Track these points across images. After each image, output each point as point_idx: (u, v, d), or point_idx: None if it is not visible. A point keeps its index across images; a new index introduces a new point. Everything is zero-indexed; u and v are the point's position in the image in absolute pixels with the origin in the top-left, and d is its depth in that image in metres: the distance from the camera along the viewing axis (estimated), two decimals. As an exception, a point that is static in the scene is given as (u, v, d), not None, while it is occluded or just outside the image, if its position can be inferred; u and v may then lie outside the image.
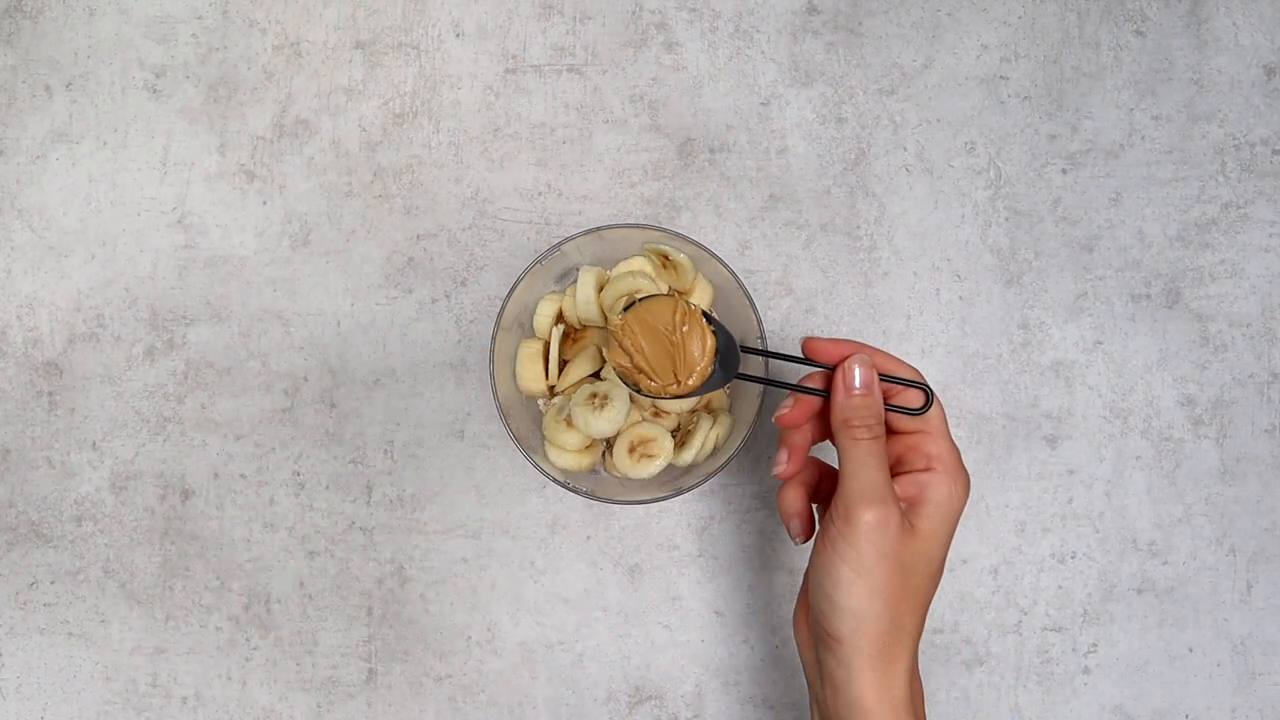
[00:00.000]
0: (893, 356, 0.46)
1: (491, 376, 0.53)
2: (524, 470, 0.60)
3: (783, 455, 0.47)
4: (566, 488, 0.53)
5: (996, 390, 0.60)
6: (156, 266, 0.61)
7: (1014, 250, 0.61)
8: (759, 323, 0.52)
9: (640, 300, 0.48)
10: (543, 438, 0.55)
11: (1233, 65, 0.62)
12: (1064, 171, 0.61)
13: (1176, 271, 0.61)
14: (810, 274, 0.61)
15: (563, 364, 0.56)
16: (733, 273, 0.52)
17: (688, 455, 0.54)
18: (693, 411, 0.56)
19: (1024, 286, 0.61)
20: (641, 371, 0.48)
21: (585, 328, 0.57)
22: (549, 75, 0.62)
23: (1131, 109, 0.62)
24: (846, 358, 0.44)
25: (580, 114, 0.61)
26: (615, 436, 0.54)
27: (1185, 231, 0.61)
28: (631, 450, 0.54)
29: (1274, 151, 0.61)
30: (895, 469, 0.45)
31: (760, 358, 0.50)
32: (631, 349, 0.48)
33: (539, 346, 0.56)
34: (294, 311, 0.61)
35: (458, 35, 0.62)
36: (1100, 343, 0.61)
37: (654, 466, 0.54)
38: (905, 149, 0.61)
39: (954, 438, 0.59)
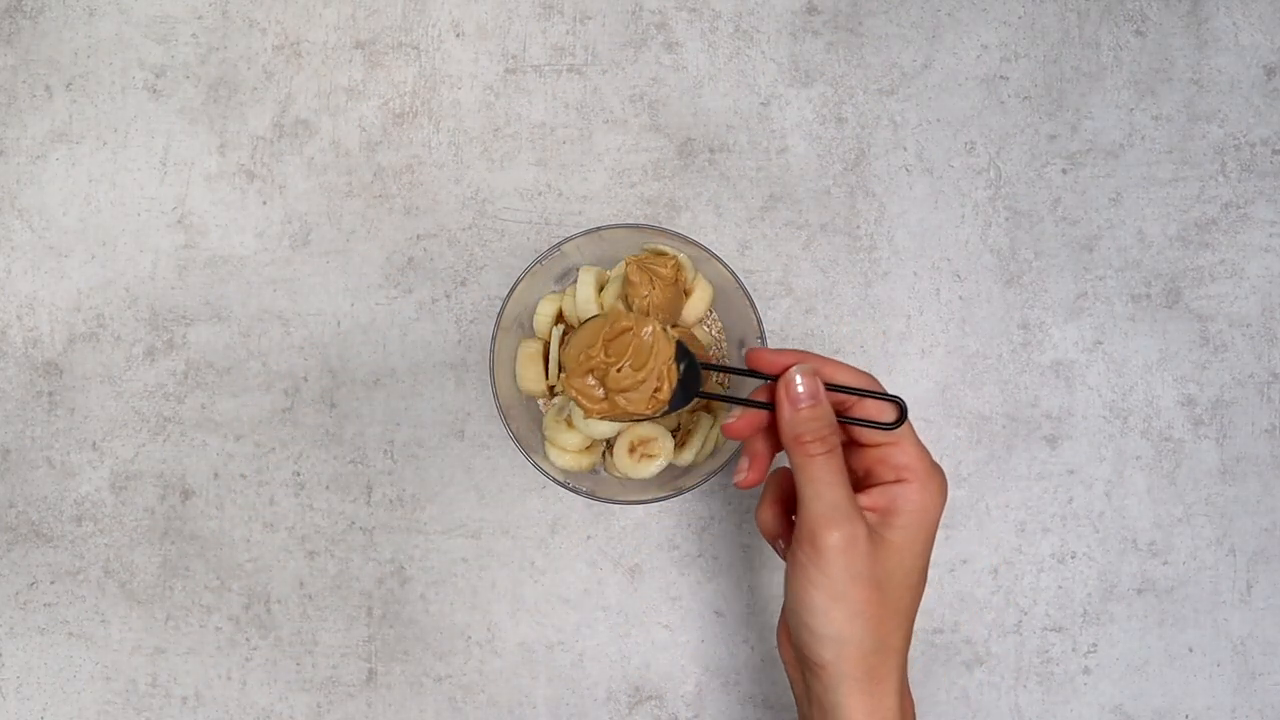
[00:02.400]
0: (845, 365, 0.43)
1: (491, 376, 0.53)
2: (524, 470, 0.60)
3: (743, 463, 0.44)
4: (566, 488, 0.53)
5: (996, 390, 0.60)
6: (156, 266, 0.61)
7: (1014, 250, 0.61)
8: (759, 323, 0.52)
9: (582, 324, 0.47)
10: (543, 438, 0.55)
11: (1233, 65, 0.62)
12: (1064, 171, 0.61)
13: (1176, 271, 0.61)
14: (810, 274, 0.61)
15: (562, 364, 0.56)
16: (733, 273, 0.52)
17: (688, 455, 0.54)
18: (693, 412, 0.56)
19: (1024, 286, 0.61)
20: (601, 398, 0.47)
21: (585, 328, 0.57)
22: (549, 75, 0.62)
23: (1131, 109, 0.62)
24: (788, 368, 0.41)
25: (580, 114, 0.61)
26: (615, 436, 0.54)
27: (1185, 231, 0.61)
28: (631, 450, 0.54)
29: (1274, 151, 0.61)
30: (865, 481, 0.43)
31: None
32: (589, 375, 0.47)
33: (539, 346, 0.56)
34: (294, 311, 0.61)
35: (458, 35, 0.62)
36: (1100, 343, 0.61)
37: (654, 466, 0.54)
38: (905, 149, 0.61)
39: (954, 438, 0.60)
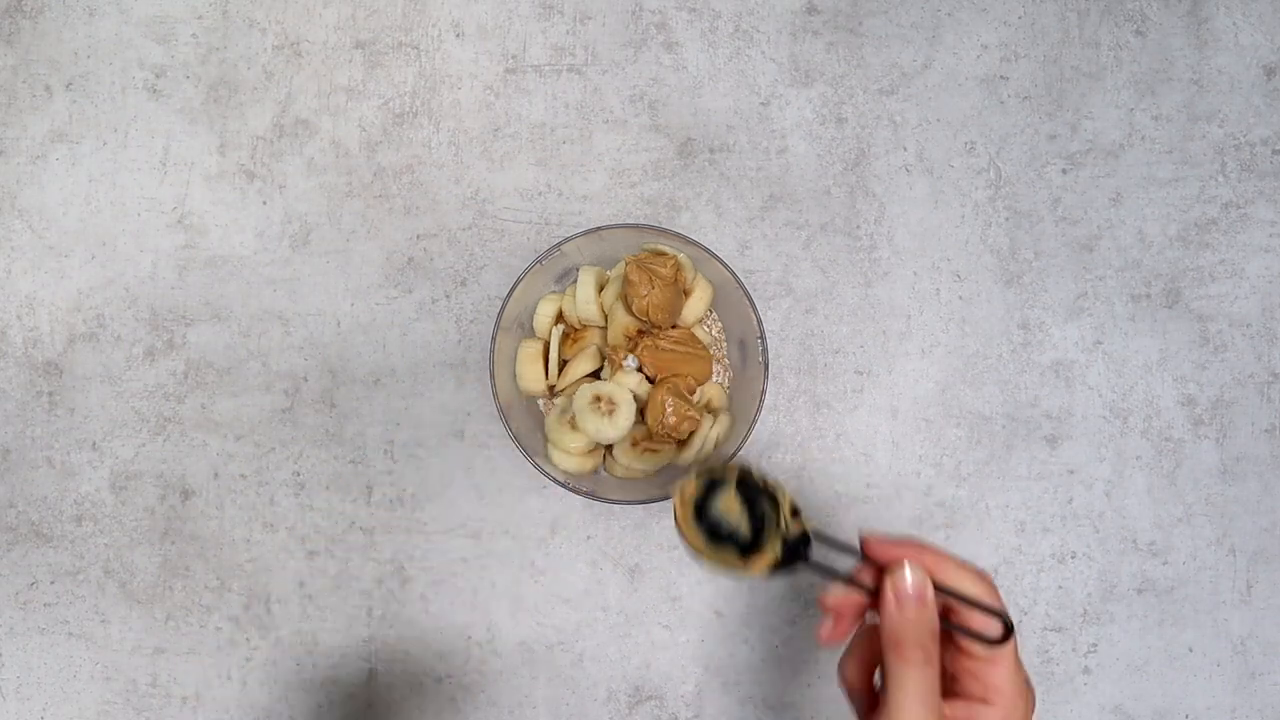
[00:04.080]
0: (963, 564, 0.39)
1: (491, 376, 0.53)
2: (524, 470, 0.60)
3: (827, 623, 0.40)
4: (567, 488, 0.53)
5: (996, 390, 0.60)
6: (156, 266, 0.61)
7: (1014, 250, 0.61)
8: (759, 323, 0.52)
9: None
10: (544, 439, 0.55)
11: (1233, 65, 0.62)
12: (1064, 171, 0.61)
13: (1176, 271, 0.61)
14: (810, 274, 0.61)
15: (563, 364, 0.56)
16: (733, 273, 0.52)
17: (688, 455, 0.54)
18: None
19: (1024, 286, 0.61)
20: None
21: (585, 328, 0.57)
22: (549, 75, 0.62)
23: (1131, 109, 0.62)
24: (899, 560, 0.38)
25: (580, 114, 0.61)
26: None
27: (1185, 231, 0.61)
28: (635, 444, 0.54)
29: (1274, 151, 0.61)
30: (951, 687, 0.40)
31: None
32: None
33: (539, 346, 0.56)
34: (294, 311, 0.61)
35: (458, 35, 0.62)
36: (1100, 343, 0.61)
37: (659, 459, 0.54)
38: (905, 149, 0.61)
39: (954, 438, 0.60)
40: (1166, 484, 0.60)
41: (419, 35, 0.62)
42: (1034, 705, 0.39)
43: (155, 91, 0.62)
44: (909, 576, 0.38)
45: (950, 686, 0.40)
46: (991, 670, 0.38)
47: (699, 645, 0.59)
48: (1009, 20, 0.62)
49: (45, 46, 0.62)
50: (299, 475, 0.60)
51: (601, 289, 0.56)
